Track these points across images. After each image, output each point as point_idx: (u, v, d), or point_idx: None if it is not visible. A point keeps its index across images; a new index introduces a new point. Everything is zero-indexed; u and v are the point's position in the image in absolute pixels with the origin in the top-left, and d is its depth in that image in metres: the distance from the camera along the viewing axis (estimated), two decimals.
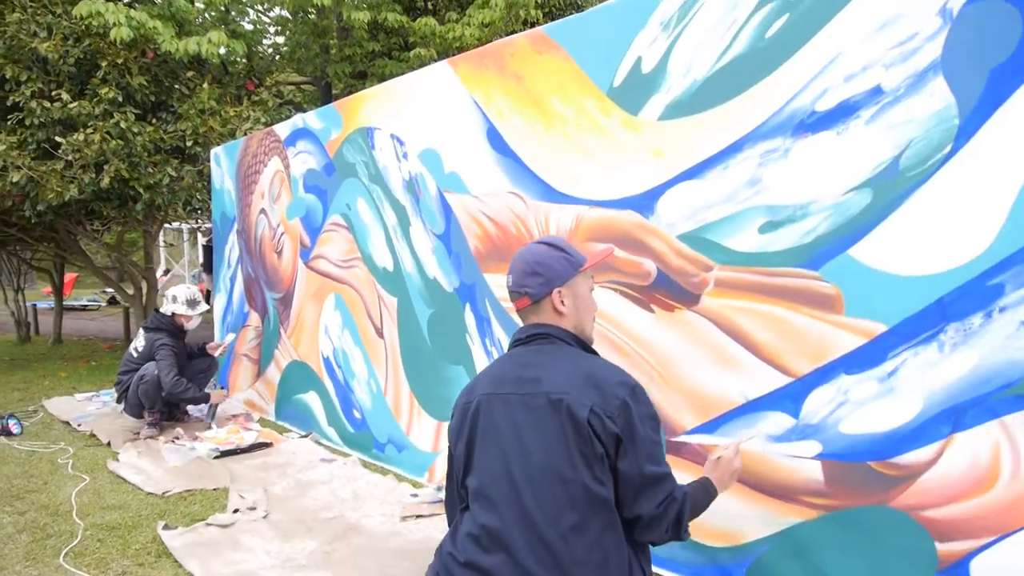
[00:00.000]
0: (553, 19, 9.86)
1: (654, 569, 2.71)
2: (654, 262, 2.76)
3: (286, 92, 8.82)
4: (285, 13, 10.20)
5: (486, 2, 8.86)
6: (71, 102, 7.04)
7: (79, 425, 5.37)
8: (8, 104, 7.28)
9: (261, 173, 5.66)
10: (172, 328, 5.26)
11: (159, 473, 4.20)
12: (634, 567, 1.84)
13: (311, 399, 5.08)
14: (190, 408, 5.49)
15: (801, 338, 2.34)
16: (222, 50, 7.75)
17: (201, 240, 16.35)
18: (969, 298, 1.99)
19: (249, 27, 10.08)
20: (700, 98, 2.61)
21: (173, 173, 7.51)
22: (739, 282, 2.50)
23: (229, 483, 3.97)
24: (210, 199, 7.16)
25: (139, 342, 5.29)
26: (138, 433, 4.98)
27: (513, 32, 8.59)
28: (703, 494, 1.99)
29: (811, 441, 2.33)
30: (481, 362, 3.60)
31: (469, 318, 3.70)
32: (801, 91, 2.33)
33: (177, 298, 5.30)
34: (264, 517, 3.47)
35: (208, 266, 10.32)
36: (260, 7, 10.16)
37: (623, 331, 2.89)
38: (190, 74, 7.97)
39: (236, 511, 3.53)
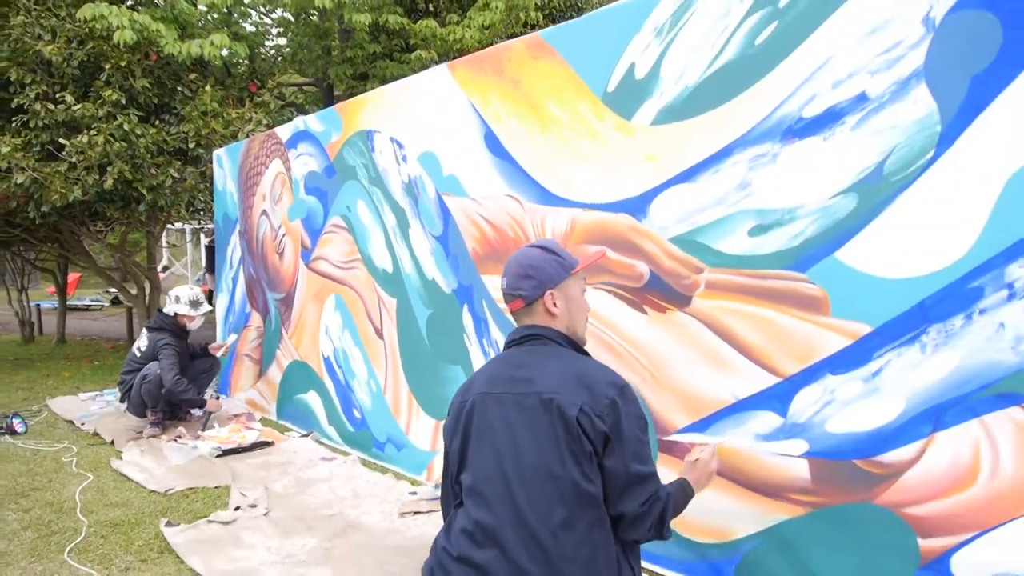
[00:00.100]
0: (554, 21, 9.97)
1: (649, 566, 2.79)
2: (647, 264, 2.81)
3: (288, 94, 8.87)
4: (287, 15, 10.25)
5: (486, 4, 8.91)
6: (75, 104, 7.11)
7: (83, 424, 5.43)
8: (13, 106, 7.34)
9: (263, 175, 5.71)
10: (175, 328, 5.32)
11: (162, 471, 4.26)
12: (623, 563, 1.89)
13: (312, 399, 5.14)
14: (193, 409, 5.54)
15: (789, 339, 2.40)
16: (224, 52, 7.81)
17: (204, 240, 16.43)
18: (950, 300, 2.04)
19: (251, 29, 10.14)
20: (692, 103, 2.66)
21: (176, 174, 7.58)
22: (729, 284, 2.56)
23: (231, 481, 4.03)
24: (212, 200, 7.22)
25: (142, 342, 5.35)
26: (141, 432, 5.04)
27: (514, 34, 8.67)
28: (681, 495, 2.04)
29: (798, 440, 2.38)
30: (478, 362, 3.66)
31: (467, 319, 3.75)
32: (789, 97, 2.38)
33: (180, 299, 5.36)
34: (265, 514, 3.53)
35: (211, 266, 10.39)
36: (262, 9, 10.22)
37: (616, 332, 2.94)
38: (193, 76, 8.04)
39: (237, 508, 3.59)
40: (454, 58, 3.93)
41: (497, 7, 8.67)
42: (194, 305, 5.37)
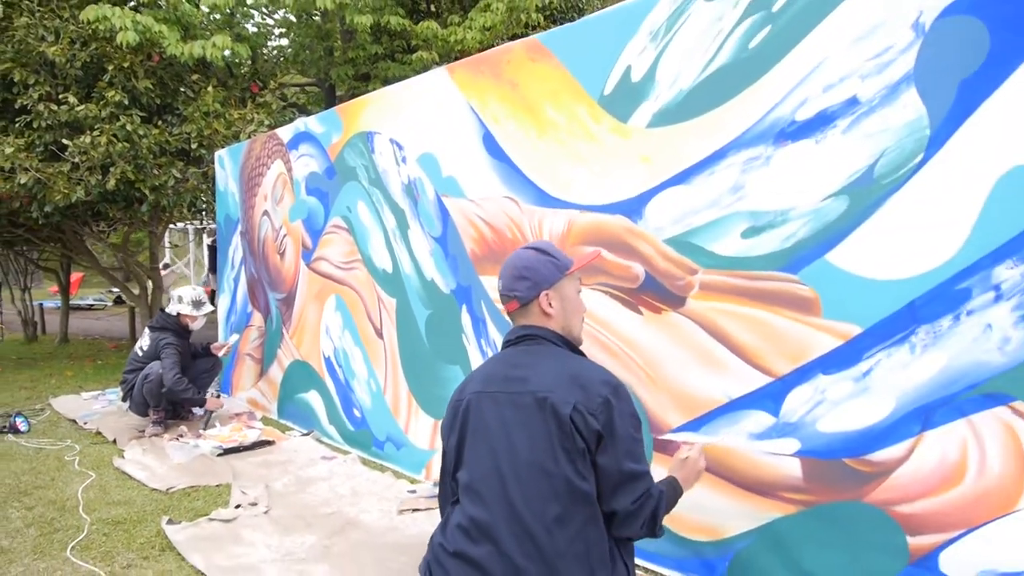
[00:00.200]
0: (555, 22, 9.99)
1: (643, 563, 2.82)
2: (642, 265, 2.85)
3: (290, 94, 8.92)
4: (290, 16, 10.29)
5: (487, 6, 8.94)
6: (78, 105, 7.15)
7: (85, 423, 5.47)
8: (16, 107, 7.39)
9: (264, 176, 5.75)
10: (177, 328, 5.36)
11: (163, 470, 4.29)
12: (616, 560, 1.92)
13: (312, 398, 5.18)
14: (194, 408, 5.58)
15: (781, 339, 2.43)
16: (227, 53, 7.86)
17: (207, 240, 16.47)
18: (939, 302, 2.07)
19: (253, 30, 10.18)
20: (686, 106, 2.70)
21: (178, 175, 7.62)
22: (722, 285, 2.59)
23: (231, 479, 4.07)
24: (214, 200, 7.26)
25: (144, 341, 5.39)
26: (143, 431, 5.08)
27: (515, 35, 8.70)
28: (672, 492, 2.07)
29: (790, 439, 2.41)
30: (477, 362, 3.69)
31: (465, 319, 3.79)
32: (782, 101, 2.41)
33: (183, 298, 5.40)
34: (265, 512, 3.56)
35: (213, 266, 10.44)
36: (264, 10, 10.26)
37: (612, 332, 2.97)
38: (195, 77, 8.09)
39: (238, 507, 3.62)
40: (455, 59, 3.97)
41: (498, 8, 8.71)
42: (196, 305, 5.41)
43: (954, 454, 2.07)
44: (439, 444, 2.15)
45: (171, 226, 12.85)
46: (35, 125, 7.26)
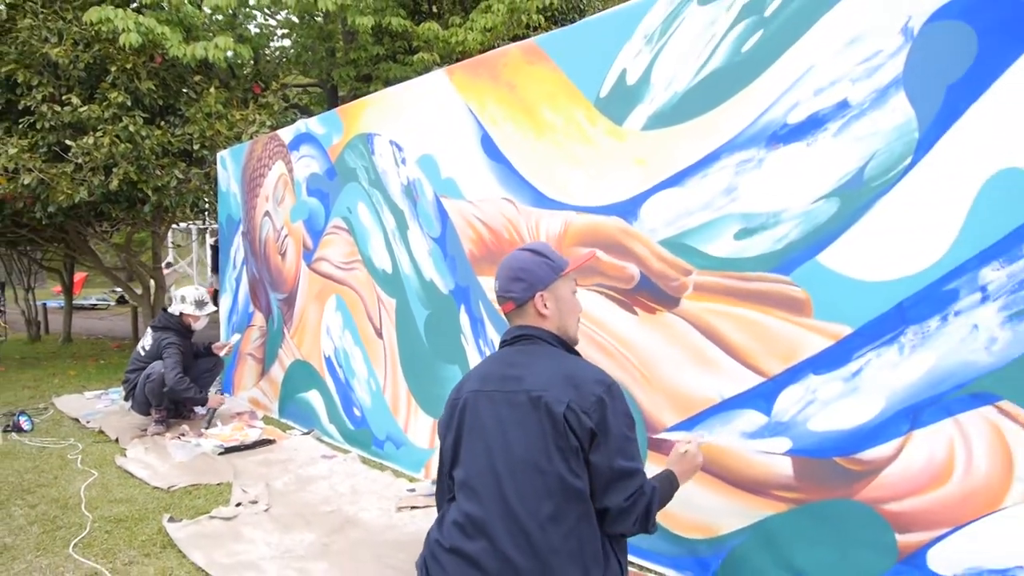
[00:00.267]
0: (556, 24, 10.01)
1: (639, 561, 2.86)
2: (637, 266, 2.88)
3: (292, 95, 8.95)
4: (292, 17, 10.33)
5: (488, 7, 8.98)
6: (81, 106, 7.20)
7: (88, 422, 5.52)
8: (20, 108, 7.45)
9: (266, 176, 5.79)
10: (179, 327, 5.40)
11: (165, 468, 4.33)
12: (609, 556, 1.95)
13: (313, 397, 5.22)
14: (196, 407, 5.62)
15: (773, 340, 2.46)
16: (229, 54, 7.90)
17: (209, 240, 16.53)
18: (927, 303, 2.10)
19: (256, 31, 10.23)
20: (681, 109, 2.73)
21: (180, 176, 7.68)
22: (716, 286, 2.62)
23: (232, 478, 4.10)
24: (216, 201, 7.31)
25: (146, 341, 5.43)
26: (145, 430, 5.12)
27: (516, 37, 8.73)
28: (668, 486, 2.10)
29: (782, 438, 2.44)
30: (475, 361, 3.72)
31: (464, 319, 3.82)
32: (774, 104, 2.44)
33: (186, 298, 5.43)
34: (265, 510, 3.60)
35: (216, 266, 10.49)
36: (267, 11, 10.30)
37: (608, 332, 3.01)
38: (197, 78, 8.14)
39: (239, 505, 3.66)
40: (457, 60, 4.00)
41: (499, 10, 8.74)
42: (199, 305, 5.44)
43: (942, 453, 2.10)
44: (438, 443, 2.18)
45: (174, 226, 12.90)
46: (39, 126, 7.31)
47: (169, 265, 14.58)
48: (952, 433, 2.08)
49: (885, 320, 2.19)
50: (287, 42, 11.20)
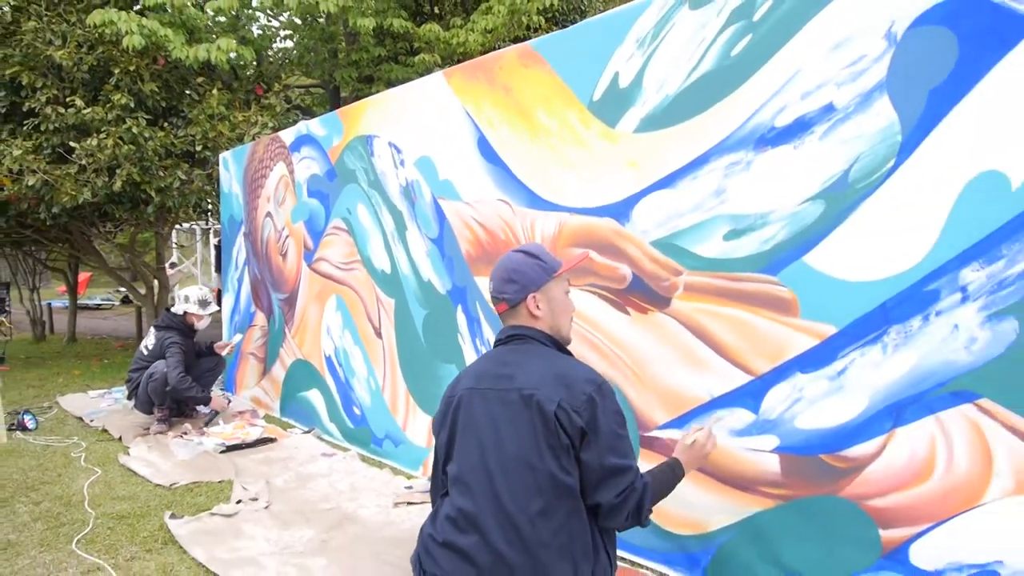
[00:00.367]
0: (557, 25, 10.05)
1: (632, 557, 2.90)
2: (629, 267, 2.92)
3: (295, 96, 9.01)
4: (295, 19, 10.39)
5: (489, 8, 9.02)
6: (85, 108, 7.28)
7: (92, 421, 5.58)
8: (24, 110, 7.52)
9: (267, 177, 5.85)
10: (182, 327, 5.46)
11: (167, 466, 4.39)
12: (599, 551, 1.99)
13: (314, 396, 5.27)
14: (199, 406, 5.67)
15: (761, 339, 2.50)
16: (232, 55, 7.96)
17: (213, 240, 16.59)
18: (909, 303, 2.15)
19: (258, 32, 10.28)
20: (672, 112, 2.77)
21: (183, 177, 7.74)
22: (705, 286, 2.66)
23: (234, 476, 4.15)
24: (219, 202, 7.36)
25: (149, 340, 5.49)
26: (148, 428, 5.18)
27: (516, 38, 8.77)
28: (669, 476, 2.13)
29: (769, 435, 2.48)
30: (471, 361, 3.76)
31: (460, 319, 3.87)
32: (762, 107, 2.49)
33: (189, 298, 5.49)
34: (265, 508, 3.65)
35: (219, 266, 10.54)
36: (269, 12, 10.36)
37: (602, 332, 3.05)
38: (200, 80, 8.20)
39: (239, 502, 3.71)
40: (458, 61, 4.04)
41: (499, 11, 8.78)
42: (202, 304, 5.50)
43: (923, 450, 2.14)
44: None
45: (177, 226, 12.97)
46: (43, 128, 7.39)
47: (174, 266, 14.62)
48: (933, 431, 2.12)
49: (869, 320, 2.23)
50: (290, 43, 11.26)
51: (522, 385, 2.00)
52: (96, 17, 7.20)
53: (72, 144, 7.29)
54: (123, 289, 12.81)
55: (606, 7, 10.12)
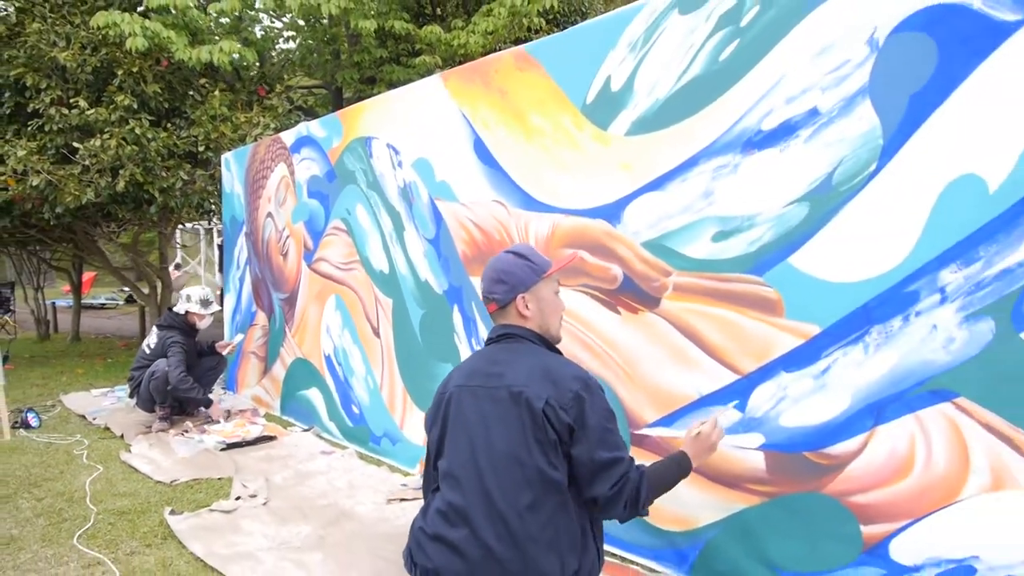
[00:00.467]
0: (557, 26, 10.08)
1: (621, 553, 2.95)
2: (620, 267, 2.97)
3: (297, 96, 9.06)
4: (298, 20, 10.45)
5: (490, 10, 9.06)
6: (88, 109, 7.33)
7: (94, 419, 5.65)
8: (28, 111, 7.58)
9: (268, 178, 5.91)
10: (184, 326, 5.52)
11: (168, 463, 4.45)
12: (588, 543, 2.03)
13: (313, 395, 5.33)
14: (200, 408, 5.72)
15: (747, 339, 2.55)
16: (234, 57, 8.01)
17: (217, 240, 16.66)
18: (890, 303, 2.19)
19: (261, 34, 10.34)
20: (662, 115, 2.82)
21: (186, 177, 7.80)
22: (694, 287, 2.71)
23: (233, 473, 4.21)
24: (221, 202, 7.43)
25: (152, 339, 5.55)
26: (150, 426, 5.24)
27: (517, 40, 8.81)
28: (673, 468, 2.16)
29: (755, 433, 2.53)
30: None
31: (456, 318, 3.92)
32: (749, 111, 2.53)
33: (191, 297, 5.55)
34: (264, 504, 3.71)
35: (222, 266, 10.61)
36: (272, 13, 10.42)
37: (593, 332, 3.10)
38: (203, 81, 8.25)
39: (238, 498, 3.77)
40: (459, 63, 4.09)
41: (500, 13, 8.83)
42: (204, 304, 5.56)
43: (903, 448, 2.19)
44: None
45: (181, 227, 13.04)
46: (47, 128, 7.45)
47: (179, 267, 14.69)
48: (913, 429, 2.16)
49: (851, 320, 2.28)
50: (292, 44, 11.32)
51: (511, 383, 2.04)
52: (100, 19, 7.27)
53: (76, 145, 7.35)
54: (127, 289, 12.89)
55: (606, 8, 10.15)
